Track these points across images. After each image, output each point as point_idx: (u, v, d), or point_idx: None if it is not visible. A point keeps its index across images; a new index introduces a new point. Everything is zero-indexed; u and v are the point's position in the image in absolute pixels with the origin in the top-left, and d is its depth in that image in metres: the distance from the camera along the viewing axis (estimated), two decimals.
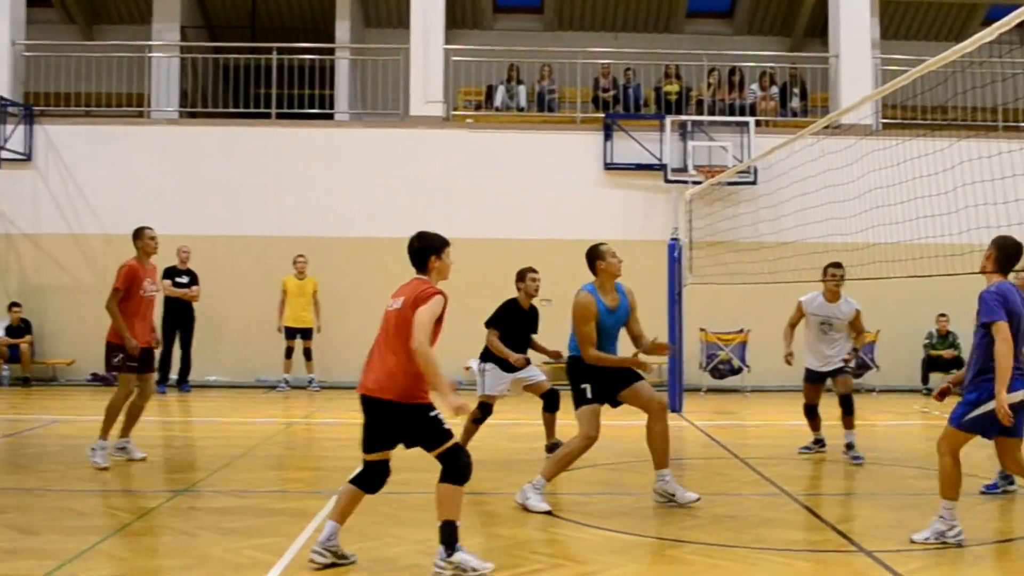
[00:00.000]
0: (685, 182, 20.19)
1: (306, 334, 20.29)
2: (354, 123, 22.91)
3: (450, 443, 6.97)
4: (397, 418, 7.00)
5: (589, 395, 9.39)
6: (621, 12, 26.20)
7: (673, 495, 9.33)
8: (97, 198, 21.35)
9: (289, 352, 20.20)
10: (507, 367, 12.07)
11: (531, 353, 12.40)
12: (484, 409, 12.08)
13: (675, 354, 17.11)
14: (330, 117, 23.06)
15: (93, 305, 20.29)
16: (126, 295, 11.44)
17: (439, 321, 7.19)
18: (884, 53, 22.73)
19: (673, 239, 17.44)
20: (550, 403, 12.41)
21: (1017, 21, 7.74)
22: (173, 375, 19.89)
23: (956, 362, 20.05)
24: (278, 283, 20.25)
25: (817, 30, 26.10)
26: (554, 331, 18.52)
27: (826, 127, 12.46)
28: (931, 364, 20.73)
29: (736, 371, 20.57)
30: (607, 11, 26.20)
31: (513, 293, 12.55)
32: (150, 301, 11.79)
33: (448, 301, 7.22)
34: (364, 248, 20.85)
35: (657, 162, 21.10)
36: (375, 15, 26.22)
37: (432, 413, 7.00)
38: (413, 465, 11.31)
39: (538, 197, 21.21)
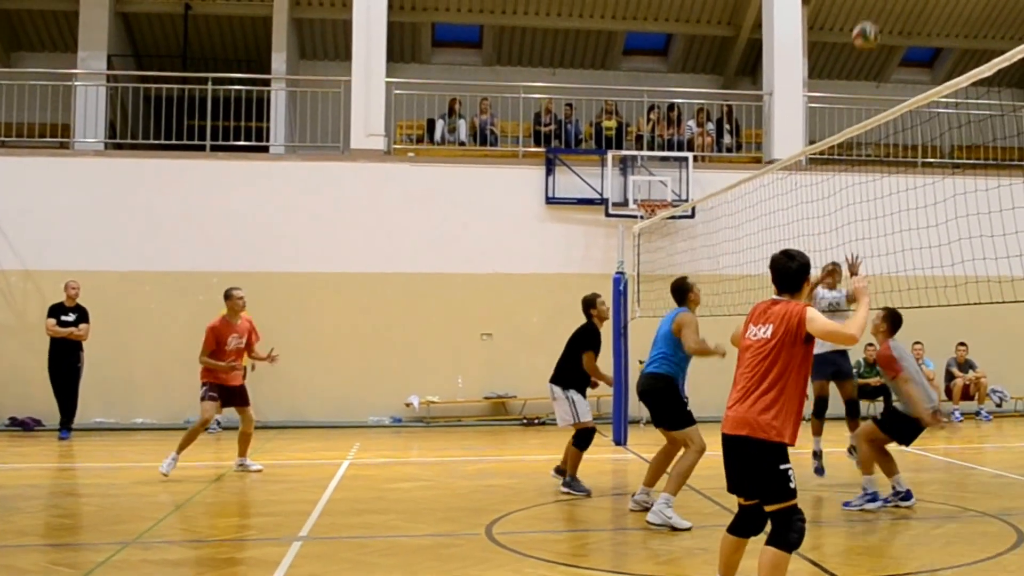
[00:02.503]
0: (624, 216, 20.41)
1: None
2: (291, 156, 22.56)
3: (791, 503, 6.29)
4: (746, 456, 6.43)
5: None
6: (559, 48, 26.43)
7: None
8: (16, 232, 20.55)
9: None
10: (583, 390, 12.53)
11: None
12: (590, 433, 12.35)
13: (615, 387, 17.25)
14: (266, 150, 22.62)
15: (13, 344, 19.85)
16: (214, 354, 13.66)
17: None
18: (811, 91, 23.46)
19: (619, 273, 17.49)
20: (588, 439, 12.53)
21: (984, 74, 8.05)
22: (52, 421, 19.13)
23: (883, 389, 20.60)
24: (210, 320, 19.78)
25: (748, 68, 26.90)
26: (497, 365, 18.60)
27: (759, 162, 12.94)
28: (859, 392, 20.87)
29: None
30: (544, 47, 26.41)
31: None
32: (236, 353, 13.90)
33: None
34: (302, 284, 20.69)
35: (598, 196, 21.29)
36: (311, 47, 26.05)
37: (783, 466, 6.31)
38: (373, 508, 11.28)
39: (480, 231, 21.25)
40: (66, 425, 18.65)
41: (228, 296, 13.95)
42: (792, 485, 6.27)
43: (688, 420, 10.46)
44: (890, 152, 22.31)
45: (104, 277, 19.95)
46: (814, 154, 11.89)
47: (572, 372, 12.47)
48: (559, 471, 12.57)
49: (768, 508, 6.32)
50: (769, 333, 6.46)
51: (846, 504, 10.90)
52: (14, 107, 21.58)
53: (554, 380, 12.56)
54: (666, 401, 10.55)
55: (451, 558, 8.76)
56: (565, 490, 12.17)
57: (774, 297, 6.73)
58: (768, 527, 6.47)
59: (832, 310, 13.51)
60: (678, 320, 10.64)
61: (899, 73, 27.78)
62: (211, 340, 13.63)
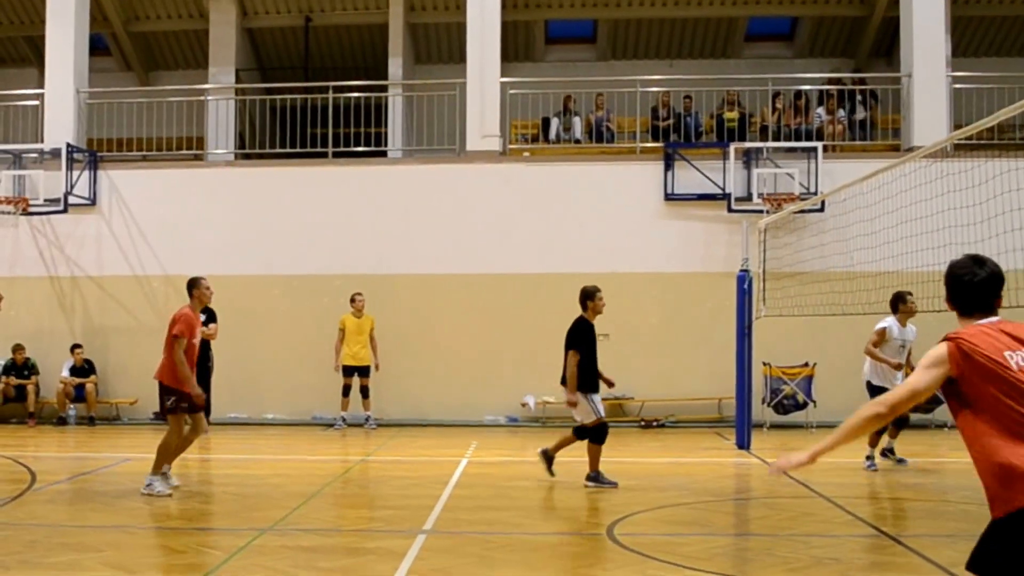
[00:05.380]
0: (748, 211, 19.85)
1: (364, 372, 20.12)
2: (409, 160, 22.83)
3: None
4: None
5: None
6: (676, 39, 25.96)
7: None
8: (158, 240, 21.60)
9: (347, 390, 20.05)
10: (592, 386, 12.56)
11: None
12: (604, 428, 12.52)
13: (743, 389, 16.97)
14: (384, 155, 22.98)
15: (154, 345, 20.44)
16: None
17: None
18: (956, 71, 22.19)
19: (743, 271, 17.12)
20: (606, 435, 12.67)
21: None
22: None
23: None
24: (335, 321, 20.12)
25: (883, 50, 25.71)
26: (614, 365, 18.49)
27: (896, 150, 12.22)
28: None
29: (801, 406, 19.90)
30: (661, 38, 25.99)
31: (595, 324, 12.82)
32: (195, 348, 12.43)
33: None
34: (421, 285, 20.77)
35: (720, 191, 20.71)
36: (426, 52, 26.23)
37: None
38: (494, 504, 11.27)
39: (597, 230, 20.93)
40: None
41: (195, 285, 12.57)
42: None
43: None
44: None
45: (235, 281, 20.40)
46: (961, 139, 11.13)
47: (582, 373, 12.53)
48: (592, 478, 12.58)
49: None
50: None
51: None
52: (153, 123, 22.50)
53: (563, 382, 12.64)
54: None
55: (573, 556, 8.79)
56: (592, 485, 12.33)
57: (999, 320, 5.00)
58: None
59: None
60: None
61: None
62: (186, 327, 12.05)
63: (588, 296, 12.74)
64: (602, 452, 12.56)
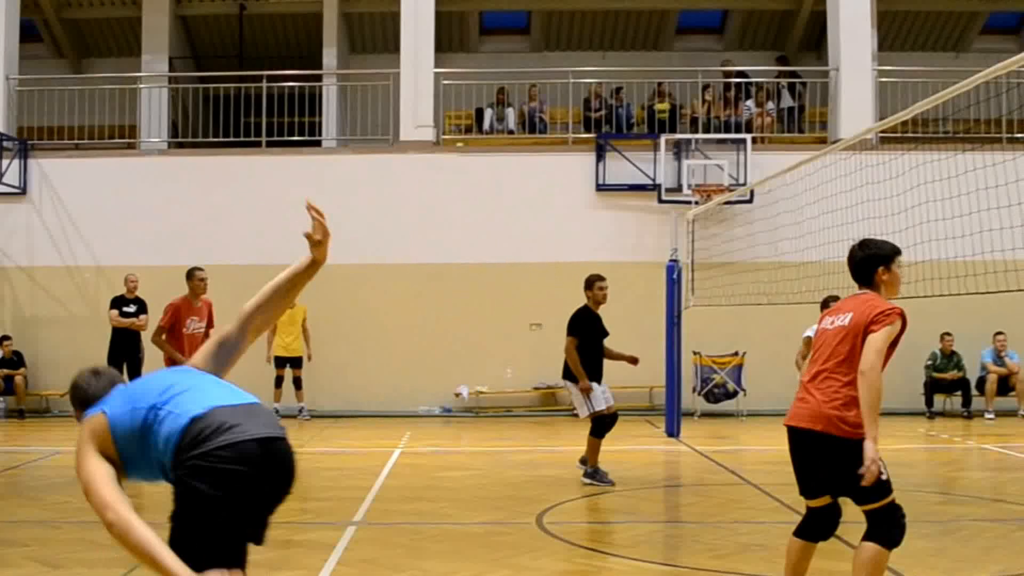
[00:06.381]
0: (678, 202, 20.02)
1: (296, 363, 20.12)
2: (342, 149, 22.78)
3: (888, 499, 5.87)
4: (828, 456, 5.96)
5: None
6: (609, 30, 26.04)
7: None
8: (89, 230, 21.32)
9: (279, 381, 20.03)
10: (600, 379, 12.15)
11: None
12: (604, 421, 12.02)
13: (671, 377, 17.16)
14: (318, 144, 22.91)
15: (86, 336, 20.38)
16: (172, 332, 12.58)
17: (893, 346, 5.99)
18: (882, 65, 22.44)
19: (672, 260, 17.30)
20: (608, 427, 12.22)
21: None
22: None
23: (962, 383, 20.22)
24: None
25: (811, 43, 25.94)
26: (547, 355, 18.62)
27: (823, 142, 12.46)
28: (937, 387, 20.41)
29: (731, 395, 20.11)
30: (594, 30, 26.07)
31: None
32: (194, 337, 12.71)
33: (906, 323, 6.03)
34: (354, 275, 20.67)
35: (650, 182, 20.89)
36: (361, 41, 26.10)
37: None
38: (425, 495, 11.35)
39: (530, 220, 21.03)
40: None
41: (190, 276, 13.20)
42: (888, 481, 5.84)
43: None
44: (971, 127, 21.17)
45: (167, 271, 20.01)
46: (885, 132, 11.30)
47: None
48: (584, 461, 12.27)
49: (866, 508, 5.88)
50: (848, 321, 6.04)
51: None
52: (85, 111, 22.17)
53: (565, 375, 12.29)
54: None
55: (502, 546, 8.84)
56: (588, 481, 11.98)
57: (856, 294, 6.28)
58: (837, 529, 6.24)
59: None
60: None
61: (981, 41, 26.15)
62: (170, 318, 12.75)
63: (587, 284, 12.52)
64: (600, 446, 12.13)
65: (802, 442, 6.04)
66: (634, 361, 12.53)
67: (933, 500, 10.92)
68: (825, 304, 12.97)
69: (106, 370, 4.89)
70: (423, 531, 9.37)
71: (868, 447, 5.69)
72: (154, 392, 4.44)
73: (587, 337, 12.18)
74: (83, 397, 4.75)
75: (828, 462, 5.91)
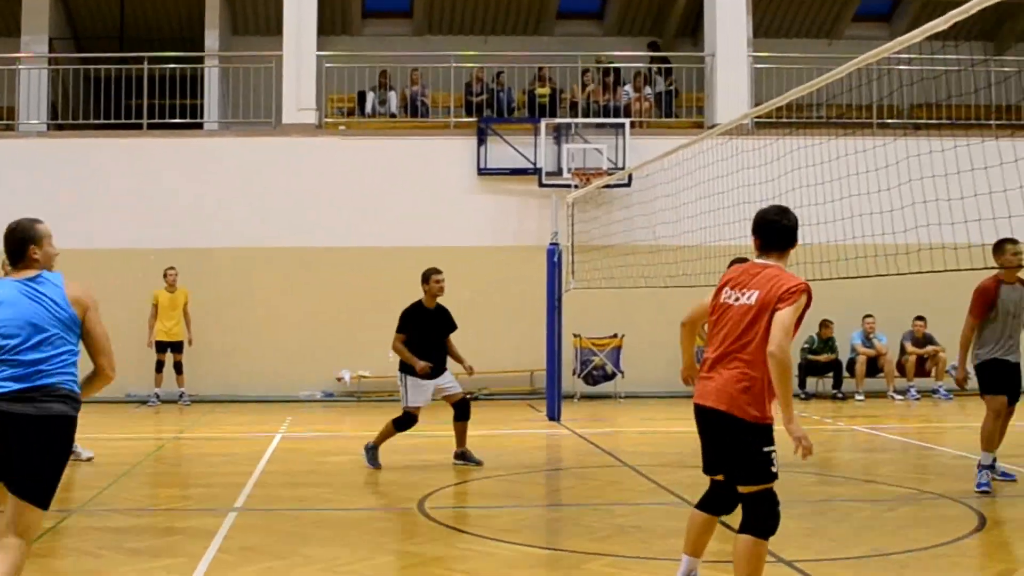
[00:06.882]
0: (559, 186, 20.16)
1: (177, 348, 19.89)
2: (225, 132, 22.52)
3: (771, 484, 5.90)
4: (727, 435, 5.97)
5: None
6: (491, 15, 26.07)
7: None
8: None
9: (160, 366, 19.78)
10: (430, 375, 12.08)
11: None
12: (409, 419, 12.06)
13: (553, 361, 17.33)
14: (200, 127, 22.54)
15: None
16: None
17: (798, 323, 5.96)
18: (756, 51, 22.87)
19: (552, 244, 17.48)
20: (462, 412, 12.36)
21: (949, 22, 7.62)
22: None
23: (834, 365, 20.80)
24: (148, 296, 19.79)
25: (688, 30, 26.26)
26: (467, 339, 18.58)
27: (700, 128, 12.68)
28: (810, 369, 20.92)
29: (610, 377, 20.37)
30: (476, 14, 26.07)
31: (407, 297, 12.65)
32: None
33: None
34: (237, 258, 20.58)
35: (531, 166, 21.04)
36: (243, 23, 25.74)
37: (767, 448, 5.88)
38: (306, 480, 11.38)
39: (412, 204, 21.03)
40: None
41: None
42: (775, 468, 5.91)
43: None
44: (843, 113, 21.57)
45: None
46: (760, 117, 11.52)
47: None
48: (459, 455, 12.38)
49: (742, 489, 5.95)
50: (754, 300, 5.99)
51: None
52: None
53: (400, 368, 12.25)
54: None
55: (384, 532, 8.94)
56: (364, 457, 12.11)
57: (755, 260, 6.25)
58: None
59: None
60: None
61: (853, 29, 26.63)
62: None
63: (423, 278, 12.42)
64: (394, 434, 12.17)
65: (707, 420, 6.07)
66: (469, 371, 12.45)
67: (806, 481, 11.10)
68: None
69: None
70: (305, 517, 9.36)
71: (793, 428, 5.76)
72: None
73: (418, 333, 12.13)
74: None
75: (727, 441, 5.97)
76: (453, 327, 12.52)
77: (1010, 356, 10.45)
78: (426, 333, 12.18)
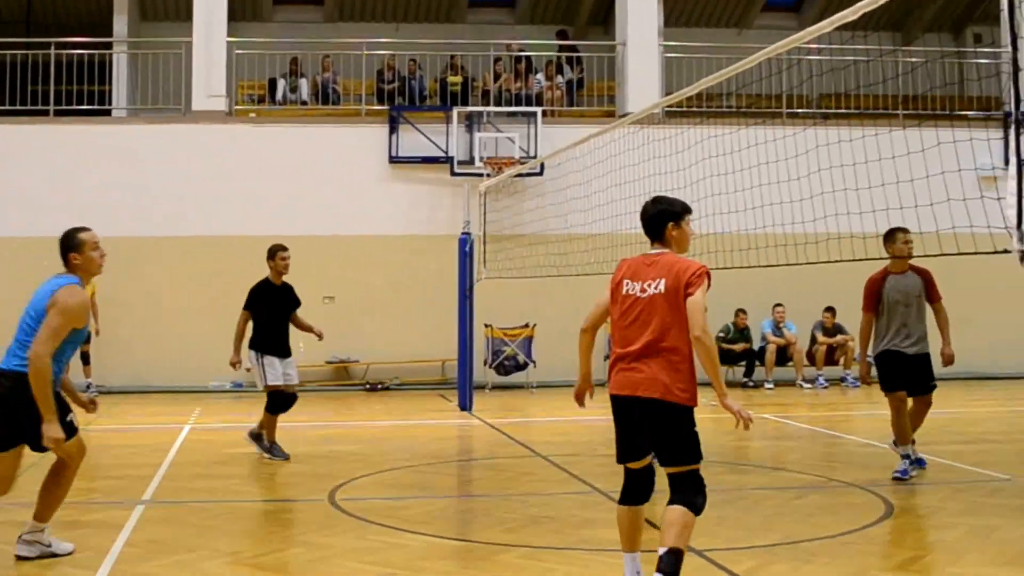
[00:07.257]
0: (471, 175, 20.14)
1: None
2: (133, 119, 22.20)
3: (698, 465, 6.10)
4: (661, 421, 6.06)
5: None
6: (402, 2, 25.87)
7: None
8: None
9: None
10: (280, 353, 12.09)
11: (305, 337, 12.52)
12: (277, 398, 11.98)
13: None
14: (108, 113, 22.21)
15: None
16: None
17: None
18: (667, 40, 22.99)
19: (465, 233, 17.46)
20: (284, 405, 12.19)
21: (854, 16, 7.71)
22: None
23: (747, 354, 21.10)
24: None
25: (599, 18, 26.23)
26: (340, 329, 18.49)
27: (611, 116, 12.69)
28: (724, 358, 21.03)
29: (521, 367, 20.42)
30: (388, 2, 25.89)
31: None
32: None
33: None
34: (144, 247, 20.29)
35: (443, 155, 21.02)
36: (152, 8, 25.29)
37: (696, 429, 6.10)
38: (216, 472, 11.27)
39: (322, 192, 20.94)
40: None
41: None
42: (700, 448, 6.13)
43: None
44: (753, 102, 21.82)
45: None
46: (671, 106, 11.61)
47: (256, 335, 12.23)
48: (254, 435, 12.23)
49: (674, 470, 6.06)
50: (662, 287, 6.10)
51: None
52: None
53: (250, 345, 12.24)
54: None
55: (294, 523, 8.90)
56: (268, 456, 12.00)
57: (648, 252, 6.36)
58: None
59: None
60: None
61: (763, 19, 26.79)
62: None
63: (268, 255, 12.35)
64: (278, 422, 12.18)
65: (634, 410, 6.13)
66: (319, 336, 12.44)
67: (716, 469, 11.07)
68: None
69: None
70: (214, 509, 9.27)
71: (729, 402, 5.98)
72: None
73: (266, 309, 12.16)
74: None
75: (663, 427, 6.07)
76: (298, 303, 12.43)
77: (906, 347, 10.44)
78: (273, 310, 12.20)
